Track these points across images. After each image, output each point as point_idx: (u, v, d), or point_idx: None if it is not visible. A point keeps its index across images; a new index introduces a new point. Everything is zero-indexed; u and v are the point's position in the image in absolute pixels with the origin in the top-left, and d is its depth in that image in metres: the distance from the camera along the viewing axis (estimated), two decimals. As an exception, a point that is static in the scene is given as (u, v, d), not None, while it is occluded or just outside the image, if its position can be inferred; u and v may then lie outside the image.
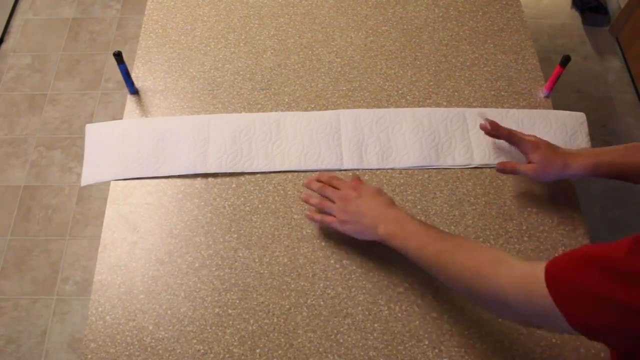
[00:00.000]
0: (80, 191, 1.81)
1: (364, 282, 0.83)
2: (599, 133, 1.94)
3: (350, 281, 0.83)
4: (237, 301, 0.81)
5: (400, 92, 1.03)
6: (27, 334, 1.57)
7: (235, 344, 0.78)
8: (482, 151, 0.95)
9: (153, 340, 0.78)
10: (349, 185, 0.84)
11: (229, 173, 0.93)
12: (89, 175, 0.94)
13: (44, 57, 2.11)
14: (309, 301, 0.81)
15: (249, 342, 0.78)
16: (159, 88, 1.03)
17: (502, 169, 0.89)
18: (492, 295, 0.61)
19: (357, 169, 0.94)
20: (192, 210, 0.90)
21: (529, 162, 0.86)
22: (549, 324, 0.55)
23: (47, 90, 2.03)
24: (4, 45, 2.15)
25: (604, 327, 0.48)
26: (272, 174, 0.93)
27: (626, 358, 0.58)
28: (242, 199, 0.91)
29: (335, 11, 1.14)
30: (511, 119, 0.98)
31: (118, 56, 0.94)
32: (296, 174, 0.93)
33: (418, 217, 0.88)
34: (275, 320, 0.80)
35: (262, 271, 0.84)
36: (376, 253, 0.85)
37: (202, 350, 0.78)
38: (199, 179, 0.93)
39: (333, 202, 0.84)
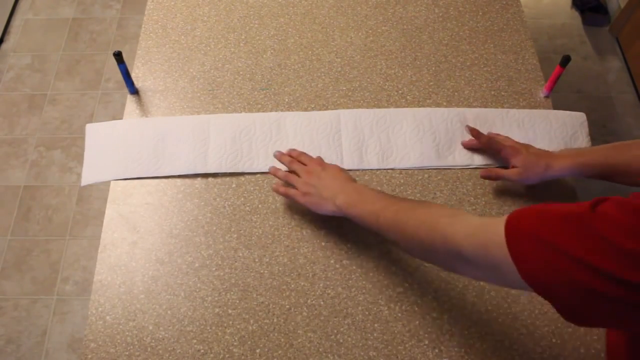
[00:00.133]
0: (80, 191, 1.81)
1: (364, 282, 0.83)
2: (599, 133, 1.94)
3: (350, 281, 0.83)
4: (237, 301, 0.81)
5: (400, 92, 1.03)
6: (27, 334, 1.57)
7: (235, 344, 0.78)
8: (482, 152, 0.95)
9: (153, 340, 0.78)
10: (315, 162, 0.87)
11: (229, 173, 0.93)
12: (89, 175, 0.94)
13: (44, 57, 2.11)
14: (309, 301, 0.81)
15: (249, 342, 0.78)
16: (159, 88, 1.03)
17: (487, 176, 0.90)
18: (448, 247, 0.60)
19: (358, 169, 0.94)
20: (192, 210, 0.90)
21: (512, 167, 0.87)
22: (500, 276, 0.54)
23: (47, 90, 2.03)
24: (4, 45, 2.15)
25: (554, 279, 0.47)
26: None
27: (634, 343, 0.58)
28: (242, 199, 0.91)
29: (335, 11, 1.14)
30: (512, 119, 0.98)
31: (118, 56, 0.94)
32: (296, 174, 0.93)
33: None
34: (275, 320, 0.80)
35: (262, 271, 0.84)
36: (376, 253, 0.85)
37: (202, 350, 0.78)
38: (199, 179, 0.93)
39: (299, 176, 0.86)
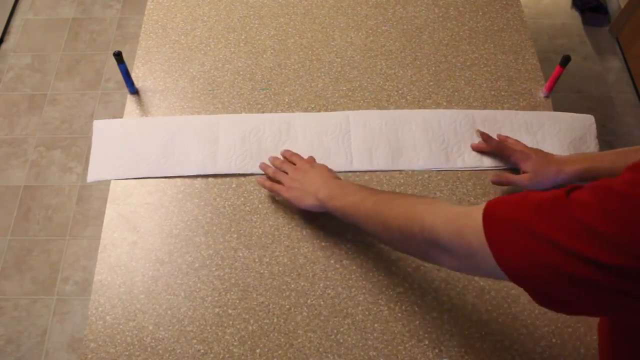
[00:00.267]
0: (80, 191, 1.81)
1: (364, 282, 0.83)
2: (599, 133, 1.92)
3: (350, 281, 0.83)
4: (237, 301, 0.81)
5: (400, 92, 1.03)
6: (27, 334, 1.57)
7: (235, 344, 0.78)
8: (491, 154, 0.95)
9: (153, 340, 0.78)
10: (304, 161, 0.89)
11: (229, 173, 0.93)
12: (96, 172, 0.93)
13: (44, 57, 2.11)
14: (309, 301, 0.81)
15: (249, 342, 0.78)
16: (159, 88, 1.03)
17: (498, 182, 0.90)
18: (425, 235, 0.60)
19: (367, 170, 0.93)
20: (192, 210, 0.90)
21: (523, 172, 0.87)
22: (476, 264, 0.53)
23: (47, 90, 2.03)
24: (4, 45, 2.15)
25: (528, 263, 0.47)
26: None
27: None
28: (242, 199, 0.91)
29: (335, 11, 1.14)
30: (520, 120, 0.98)
31: (118, 56, 0.94)
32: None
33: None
34: (275, 320, 0.80)
35: (262, 271, 0.84)
36: (376, 253, 0.85)
37: (202, 350, 0.78)
38: (199, 179, 0.93)
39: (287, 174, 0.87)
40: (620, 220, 0.42)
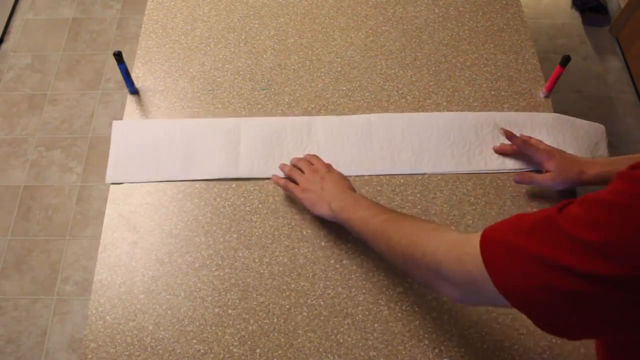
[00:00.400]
0: (80, 191, 1.81)
1: (364, 282, 0.83)
2: (599, 133, 1.94)
3: (350, 281, 0.83)
4: (237, 301, 0.81)
5: (400, 92, 1.03)
6: (27, 334, 1.57)
7: (235, 344, 0.78)
8: (513, 156, 0.95)
9: (153, 340, 0.78)
10: (322, 163, 0.88)
11: (251, 177, 0.92)
12: (115, 173, 0.92)
13: (44, 57, 2.11)
14: (309, 301, 0.81)
15: (249, 342, 0.78)
16: (159, 88, 1.03)
17: (521, 180, 0.90)
18: (427, 262, 0.60)
19: (390, 174, 0.93)
20: (192, 210, 0.90)
21: (546, 171, 0.87)
22: (477, 292, 0.53)
23: (47, 90, 2.03)
24: (4, 45, 2.15)
25: (526, 285, 0.47)
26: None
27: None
28: (242, 199, 0.91)
29: (335, 11, 1.14)
30: (540, 123, 0.98)
31: (118, 56, 0.94)
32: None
33: (418, 217, 0.89)
34: (275, 320, 0.80)
35: (262, 271, 0.84)
36: (376, 253, 0.85)
37: (202, 350, 0.78)
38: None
39: (303, 173, 0.87)
40: (610, 230, 0.42)
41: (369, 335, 0.79)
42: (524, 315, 0.49)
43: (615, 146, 1.90)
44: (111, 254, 0.86)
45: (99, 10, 2.24)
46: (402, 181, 0.93)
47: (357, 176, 0.93)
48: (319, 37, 1.10)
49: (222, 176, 0.92)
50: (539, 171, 0.91)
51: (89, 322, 0.80)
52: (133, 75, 1.03)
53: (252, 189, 0.92)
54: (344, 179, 0.86)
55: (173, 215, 0.89)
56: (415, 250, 0.62)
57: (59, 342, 1.56)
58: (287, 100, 1.01)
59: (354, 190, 0.84)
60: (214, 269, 0.84)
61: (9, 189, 1.82)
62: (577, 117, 1.00)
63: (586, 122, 1.00)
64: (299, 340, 0.78)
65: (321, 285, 0.83)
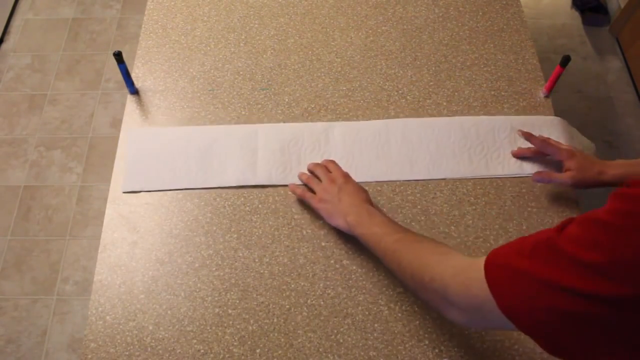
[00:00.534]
0: (80, 191, 1.81)
1: (364, 282, 0.83)
2: (599, 133, 1.94)
3: (350, 281, 0.83)
4: (237, 301, 0.81)
5: (400, 92, 1.03)
6: (27, 334, 1.57)
7: (235, 344, 0.78)
8: (531, 160, 0.95)
9: (153, 340, 0.78)
10: (340, 172, 0.88)
11: (269, 184, 0.92)
12: (131, 182, 0.91)
13: (44, 57, 2.11)
14: (309, 301, 0.81)
15: (249, 342, 0.78)
16: (159, 88, 1.03)
17: (540, 179, 0.90)
18: (435, 286, 0.60)
19: (407, 180, 0.93)
20: (192, 210, 0.90)
21: (565, 170, 0.87)
22: (483, 317, 0.54)
23: (47, 90, 2.03)
24: (4, 45, 2.15)
25: (531, 308, 0.47)
26: (272, 174, 0.93)
27: None
28: (242, 199, 0.91)
29: (335, 11, 1.14)
30: (557, 126, 0.98)
31: (118, 56, 0.94)
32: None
33: (418, 217, 0.89)
34: (275, 320, 0.80)
35: (262, 271, 0.84)
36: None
37: (202, 350, 0.78)
38: (199, 179, 0.93)
39: (320, 181, 0.87)
40: (610, 250, 0.42)
41: (369, 335, 0.79)
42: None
43: (615, 146, 1.90)
44: (111, 254, 0.86)
45: (99, 10, 2.24)
46: (402, 181, 0.93)
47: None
48: (319, 37, 1.10)
49: (240, 184, 0.91)
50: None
51: (89, 322, 0.80)
52: (133, 75, 1.03)
53: (252, 189, 0.92)
54: (361, 190, 0.85)
55: (173, 215, 0.89)
56: (424, 273, 0.63)
57: (59, 342, 1.56)
58: (287, 100, 1.01)
59: (371, 203, 0.83)
60: (214, 269, 0.84)
61: (9, 189, 1.82)
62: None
63: (585, 138, 1.00)
64: (299, 340, 0.78)
65: (321, 285, 0.83)
